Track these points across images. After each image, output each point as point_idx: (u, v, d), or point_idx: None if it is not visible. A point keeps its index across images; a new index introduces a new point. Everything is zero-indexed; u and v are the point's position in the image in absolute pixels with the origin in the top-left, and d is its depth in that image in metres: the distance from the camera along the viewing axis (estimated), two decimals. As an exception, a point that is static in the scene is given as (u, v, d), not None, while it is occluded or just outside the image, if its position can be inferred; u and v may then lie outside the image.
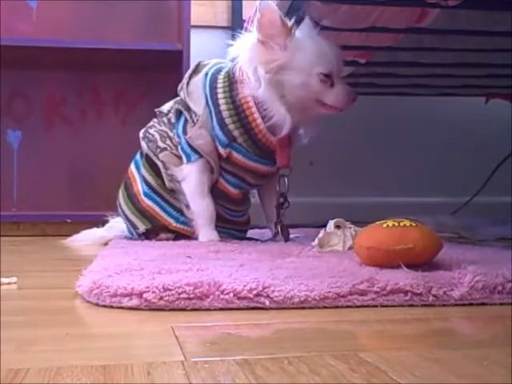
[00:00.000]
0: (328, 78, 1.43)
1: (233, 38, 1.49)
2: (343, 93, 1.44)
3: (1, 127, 2.18)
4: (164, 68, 2.15)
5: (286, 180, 1.47)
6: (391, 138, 2.41)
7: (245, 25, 2.00)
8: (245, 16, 2.17)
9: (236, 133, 1.44)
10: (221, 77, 1.47)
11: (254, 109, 1.43)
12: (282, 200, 1.48)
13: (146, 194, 1.53)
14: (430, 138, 2.43)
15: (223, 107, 1.44)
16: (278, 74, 1.41)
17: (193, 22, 2.07)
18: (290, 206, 1.48)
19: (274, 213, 1.51)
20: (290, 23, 1.40)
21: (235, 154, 1.45)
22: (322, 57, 1.43)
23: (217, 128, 1.44)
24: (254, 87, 1.42)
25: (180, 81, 1.59)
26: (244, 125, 1.43)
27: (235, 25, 2.25)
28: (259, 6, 1.37)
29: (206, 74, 1.49)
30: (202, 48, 2.18)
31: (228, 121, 1.43)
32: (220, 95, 1.44)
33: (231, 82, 1.46)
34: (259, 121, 1.43)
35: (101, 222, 1.71)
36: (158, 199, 1.52)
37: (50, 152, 2.21)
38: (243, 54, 1.44)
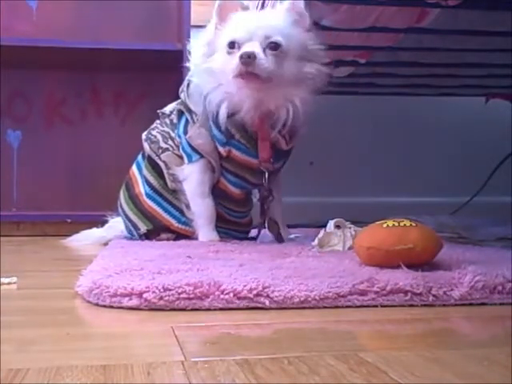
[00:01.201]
0: (233, 49, 1.34)
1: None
2: (236, 58, 1.31)
3: (1, 127, 2.18)
4: (164, 68, 2.15)
5: (266, 175, 1.45)
6: (391, 138, 2.42)
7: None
8: (245, 16, 2.17)
9: (233, 130, 1.43)
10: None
11: None
12: (265, 194, 1.46)
13: (147, 195, 1.53)
14: (430, 138, 2.44)
15: None
16: (209, 60, 1.39)
17: (193, 22, 2.07)
18: (272, 200, 1.47)
19: (275, 213, 1.50)
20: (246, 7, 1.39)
21: (234, 152, 1.45)
22: (231, 27, 1.36)
23: (214, 127, 1.44)
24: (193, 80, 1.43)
25: (180, 81, 1.59)
26: (237, 120, 1.42)
27: (235, 25, 2.25)
28: None
29: (205, 75, 1.49)
30: (202, 48, 2.17)
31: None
32: None
33: None
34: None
35: (100, 222, 1.71)
36: (160, 200, 1.52)
37: (49, 152, 2.21)
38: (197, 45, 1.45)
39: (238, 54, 1.32)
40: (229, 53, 1.35)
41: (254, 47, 1.31)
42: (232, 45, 1.34)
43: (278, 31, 1.35)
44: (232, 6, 1.38)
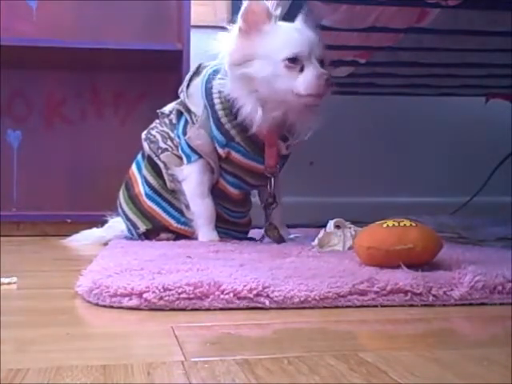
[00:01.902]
0: (295, 63, 1.34)
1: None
2: (312, 77, 1.33)
3: (1, 127, 2.18)
4: (164, 68, 2.15)
5: (272, 181, 1.46)
6: (391, 138, 2.41)
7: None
8: (245, 16, 2.17)
9: (233, 132, 1.43)
10: (217, 78, 1.47)
11: None
12: (270, 200, 1.47)
13: (147, 196, 1.53)
14: (429, 138, 2.44)
15: (218, 107, 1.43)
16: (246, 66, 1.36)
17: (193, 22, 2.07)
18: (277, 206, 1.47)
19: (275, 215, 1.50)
20: (274, 13, 1.37)
21: (234, 154, 1.45)
22: (287, 41, 1.35)
23: (214, 128, 1.44)
24: (223, 83, 1.40)
25: (180, 81, 1.59)
26: (240, 123, 1.43)
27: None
28: None
29: (204, 76, 1.49)
30: (202, 48, 2.17)
31: (224, 120, 1.43)
32: (215, 95, 1.44)
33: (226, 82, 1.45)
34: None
35: (100, 222, 1.71)
36: (160, 200, 1.52)
37: (50, 152, 2.21)
38: (224, 47, 1.41)
39: (307, 71, 1.33)
40: (288, 67, 1.34)
41: (320, 67, 1.34)
42: (294, 61, 1.34)
43: (321, 47, 1.38)
44: (258, 10, 1.35)
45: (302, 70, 1.34)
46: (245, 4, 1.35)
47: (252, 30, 1.36)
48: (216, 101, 1.43)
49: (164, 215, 1.51)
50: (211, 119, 1.44)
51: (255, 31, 1.36)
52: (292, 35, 1.37)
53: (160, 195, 1.52)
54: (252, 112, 1.38)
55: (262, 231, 1.54)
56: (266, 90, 1.36)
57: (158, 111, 1.59)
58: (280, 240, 1.45)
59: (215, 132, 1.44)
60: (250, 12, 1.35)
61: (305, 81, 1.33)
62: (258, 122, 1.38)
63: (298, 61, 1.34)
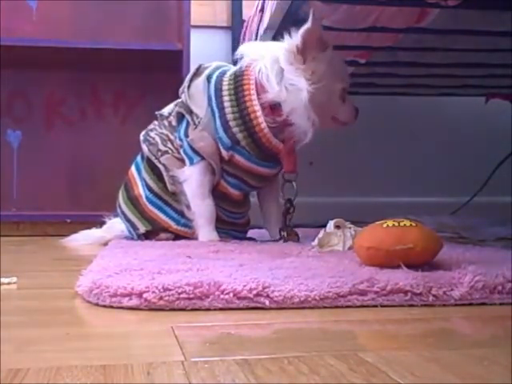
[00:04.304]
0: (344, 93, 1.45)
1: (233, 39, 1.44)
2: (352, 108, 1.48)
3: (1, 127, 2.18)
4: (164, 68, 2.15)
5: (294, 185, 1.47)
6: (391, 138, 2.42)
7: (245, 25, 2.00)
8: (245, 16, 2.18)
9: (240, 136, 1.43)
10: (226, 79, 1.46)
11: (259, 113, 1.42)
12: (288, 205, 1.48)
13: (147, 198, 1.53)
14: (429, 138, 2.44)
15: (228, 110, 1.43)
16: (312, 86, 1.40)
17: (193, 22, 2.08)
18: (295, 211, 1.48)
19: (273, 215, 1.52)
20: (327, 40, 1.41)
21: (237, 157, 1.45)
22: (342, 72, 1.47)
23: (220, 130, 1.43)
24: (277, 92, 1.40)
25: (180, 81, 1.59)
26: (248, 128, 1.43)
27: (235, 25, 2.25)
28: (311, 19, 1.35)
29: (209, 77, 1.48)
30: (202, 48, 2.18)
31: (232, 124, 1.43)
32: (225, 98, 1.44)
33: (237, 85, 1.45)
34: (263, 125, 1.42)
35: (99, 223, 1.71)
36: (160, 203, 1.52)
37: (50, 152, 2.21)
38: (269, 57, 1.42)
39: (348, 102, 1.47)
40: (341, 96, 1.45)
41: None
42: (344, 91, 1.46)
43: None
44: (315, 34, 1.38)
45: (343, 100, 1.46)
46: (307, 27, 1.36)
47: (309, 49, 1.38)
48: (226, 104, 1.43)
49: (164, 217, 1.51)
50: (218, 121, 1.43)
51: (312, 52, 1.39)
52: (344, 67, 1.52)
53: (160, 198, 1.52)
54: (309, 127, 1.42)
55: (263, 231, 1.56)
56: (315, 109, 1.41)
57: (156, 113, 1.59)
58: (288, 240, 1.45)
59: (221, 134, 1.43)
60: (311, 34, 1.37)
61: (348, 111, 1.47)
62: (310, 137, 1.43)
63: (345, 91, 1.46)
